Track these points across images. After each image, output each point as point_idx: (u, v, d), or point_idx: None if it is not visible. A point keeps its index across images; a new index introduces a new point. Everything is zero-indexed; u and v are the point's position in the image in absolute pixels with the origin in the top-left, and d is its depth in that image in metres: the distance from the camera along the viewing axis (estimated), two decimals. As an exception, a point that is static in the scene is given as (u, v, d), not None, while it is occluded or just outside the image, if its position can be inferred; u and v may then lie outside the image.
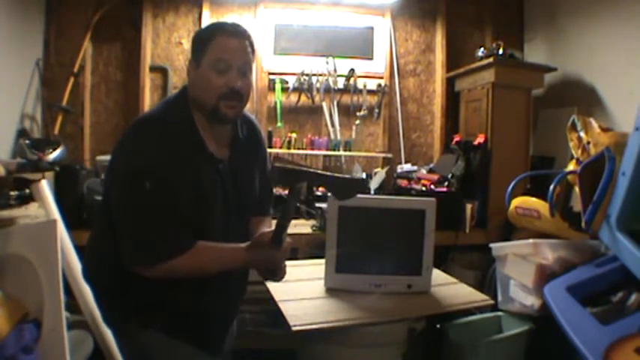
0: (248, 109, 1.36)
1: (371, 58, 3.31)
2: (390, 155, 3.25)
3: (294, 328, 1.42)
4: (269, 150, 2.55)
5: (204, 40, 1.22)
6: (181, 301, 1.23)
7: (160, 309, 1.23)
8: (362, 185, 1.42)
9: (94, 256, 1.33)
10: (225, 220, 1.27)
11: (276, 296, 1.62)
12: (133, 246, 1.17)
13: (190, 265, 1.17)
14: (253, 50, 1.27)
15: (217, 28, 1.24)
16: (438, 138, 3.36)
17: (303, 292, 1.69)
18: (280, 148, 3.10)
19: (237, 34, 1.23)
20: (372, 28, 3.32)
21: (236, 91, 1.21)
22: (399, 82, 3.32)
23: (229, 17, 3.16)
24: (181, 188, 1.16)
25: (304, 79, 3.13)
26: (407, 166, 3.10)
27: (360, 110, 3.18)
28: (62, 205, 2.03)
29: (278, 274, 1.31)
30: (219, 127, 1.27)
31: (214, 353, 1.34)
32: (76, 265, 1.93)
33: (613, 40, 2.64)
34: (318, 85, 3.15)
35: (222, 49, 1.20)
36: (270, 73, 3.18)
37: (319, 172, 1.64)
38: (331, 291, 1.72)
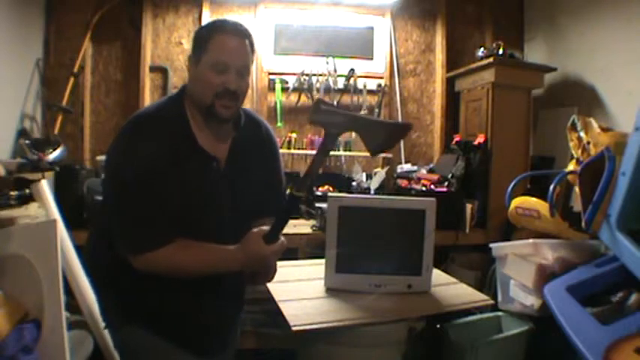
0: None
1: (371, 58, 3.31)
2: (390, 155, 3.24)
3: (294, 328, 1.42)
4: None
5: (205, 37, 1.22)
6: (158, 300, 1.24)
7: (139, 306, 1.25)
8: (406, 129, 1.39)
9: (92, 253, 1.38)
10: (218, 218, 1.26)
11: (276, 296, 1.62)
12: (118, 236, 1.20)
13: (172, 259, 1.16)
14: (253, 50, 1.27)
15: (218, 27, 1.23)
16: (438, 138, 3.36)
17: (303, 292, 1.69)
18: (280, 148, 3.08)
19: (237, 33, 1.23)
20: (372, 28, 3.32)
21: (232, 91, 1.21)
22: (399, 82, 3.32)
23: (229, 17, 3.10)
24: (166, 182, 1.16)
25: (304, 79, 3.13)
26: (407, 166, 3.09)
27: (360, 110, 3.17)
28: (62, 205, 2.03)
29: (268, 275, 1.29)
30: (217, 125, 1.27)
31: (202, 357, 1.31)
32: (76, 265, 1.93)
33: (613, 40, 2.64)
34: (318, 85, 3.14)
35: (222, 48, 1.20)
36: (270, 73, 3.18)
37: (362, 115, 1.52)
38: (331, 291, 1.72)
